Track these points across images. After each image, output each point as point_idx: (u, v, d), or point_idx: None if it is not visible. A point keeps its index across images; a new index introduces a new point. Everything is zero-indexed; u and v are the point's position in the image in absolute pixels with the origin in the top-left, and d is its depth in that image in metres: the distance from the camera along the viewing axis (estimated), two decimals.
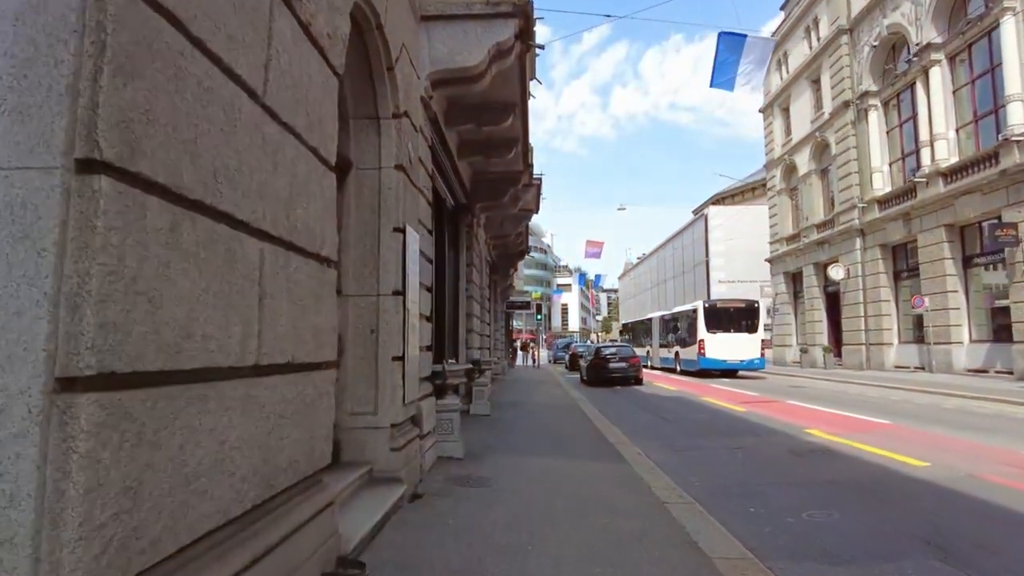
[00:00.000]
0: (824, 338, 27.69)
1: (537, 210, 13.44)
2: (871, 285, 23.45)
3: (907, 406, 12.12)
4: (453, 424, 5.87)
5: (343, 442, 4.31)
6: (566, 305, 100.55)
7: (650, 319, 34.11)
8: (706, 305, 24.83)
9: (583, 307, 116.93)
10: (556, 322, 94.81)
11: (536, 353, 36.22)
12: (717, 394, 15.53)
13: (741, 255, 42.54)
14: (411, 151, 4.76)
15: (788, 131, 30.88)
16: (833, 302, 27.37)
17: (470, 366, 6.19)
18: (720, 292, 43.61)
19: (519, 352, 37.05)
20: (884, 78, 23.19)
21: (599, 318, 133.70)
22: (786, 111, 31.17)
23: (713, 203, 51.18)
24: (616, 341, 36.48)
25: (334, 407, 2.92)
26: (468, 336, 10.18)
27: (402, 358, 4.49)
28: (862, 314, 23.92)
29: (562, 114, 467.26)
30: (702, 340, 23.51)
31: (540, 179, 11.68)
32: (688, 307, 27.28)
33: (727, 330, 23.50)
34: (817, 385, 18.31)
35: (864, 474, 6.08)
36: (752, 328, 23.73)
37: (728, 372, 23.44)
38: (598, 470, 5.83)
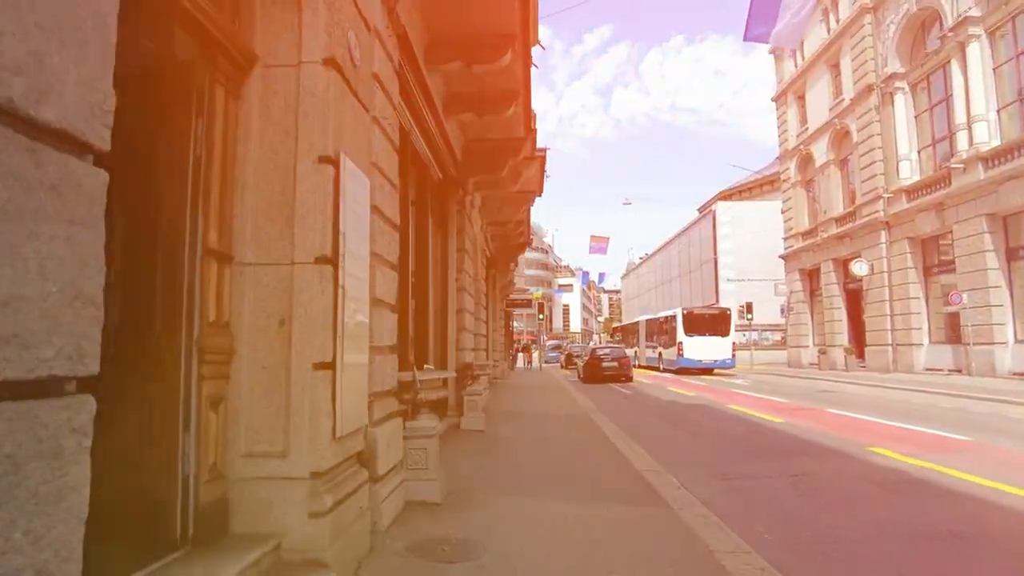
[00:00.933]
0: (844, 338, 26.02)
1: (541, 191, 11.74)
2: (898, 281, 21.78)
3: (969, 416, 10.45)
4: (428, 455, 4.21)
5: (233, 501, 2.65)
6: (568, 306, 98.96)
7: (637, 323, 37.23)
8: (684, 312, 27.85)
9: (585, 308, 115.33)
10: (558, 323, 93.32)
11: (531, 356, 34.56)
12: (743, 401, 13.86)
13: (751, 253, 40.87)
14: (352, 45, 3.11)
15: (804, 120, 29.25)
16: (854, 300, 25.73)
17: (453, 374, 4.51)
18: (729, 291, 41.96)
19: (519, 354, 35.40)
20: (912, 58, 21.53)
21: (601, 319, 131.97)
22: (801, 99, 29.53)
23: (721, 199, 49.52)
24: (609, 343, 37.77)
25: (87, 470, 1.26)
26: (459, 336, 8.53)
27: (333, 365, 2.83)
28: (888, 312, 22.26)
29: (563, 116, 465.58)
30: (680, 343, 26.68)
31: (545, 152, 9.99)
32: (669, 312, 30.14)
33: (702, 333, 26.55)
34: (847, 390, 16.64)
35: (994, 523, 4.42)
36: (724, 332, 26.77)
37: (705, 370, 26.34)
38: (633, 520, 4.17)
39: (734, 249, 41.80)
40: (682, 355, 26.52)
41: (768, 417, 10.70)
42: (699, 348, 26.32)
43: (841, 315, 26.25)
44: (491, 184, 9.37)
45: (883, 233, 22.43)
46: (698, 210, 61.43)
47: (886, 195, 22.21)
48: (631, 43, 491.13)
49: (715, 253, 42.87)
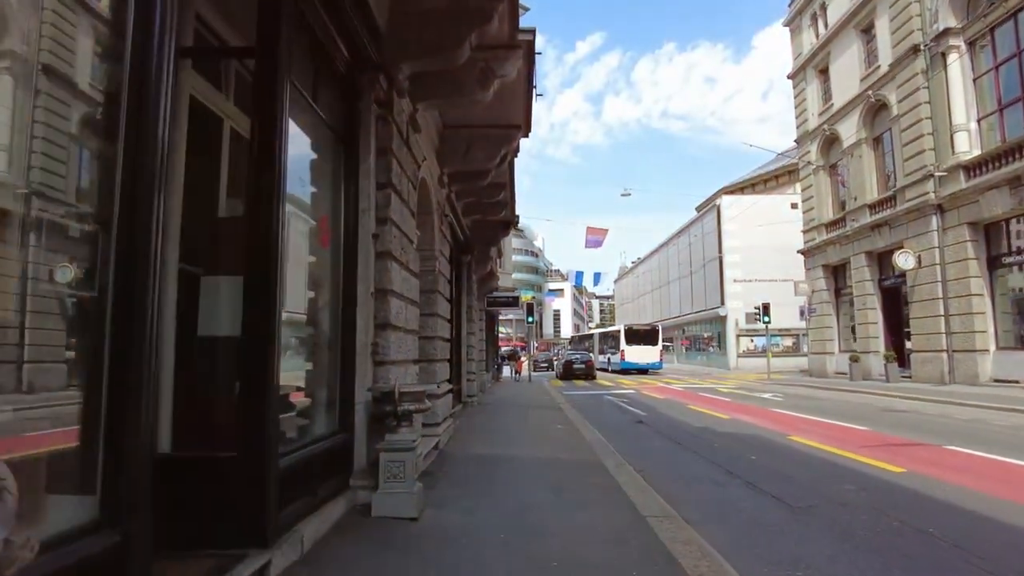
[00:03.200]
0: (880, 343, 22.52)
1: (528, 126, 7.86)
2: (955, 275, 18.26)
3: None
4: None
5: None
6: (559, 311, 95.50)
7: (592, 334, 47.94)
8: (625, 328, 36.81)
9: (576, 314, 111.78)
10: (548, 329, 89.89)
11: (521, 366, 30.75)
12: (801, 427, 10.14)
13: (760, 250, 37.46)
14: None
15: (827, 96, 25.83)
16: (892, 299, 22.25)
17: None
18: (736, 292, 38.57)
19: (504, 363, 31.72)
20: (971, 9, 18.12)
21: (592, 325, 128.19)
22: (823, 73, 26.13)
23: (724, 195, 46.04)
24: (577, 349, 44.69)
25: None
26: (379, 337, 4.75)
27: None
28: (942, 312, 18.71)
29: (555, 122, 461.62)
30: (623, 350, 35.30)
31: (532, 37, 6.14)
32: (615, 328, 40.78)
33: (639, 343, 35.22)
34: (920, 408, 13.01)
35: None
36: (654, 343, 35.58)
37: (641, 371, 34.65)
38: None
39: (741, 247, 38.37)
40: (624, 359, 35.17)
41: (875, 463, 6.98)
42: (636, 354, 35.09)
43: (876, 316, 22.74)
44: (443, 84, 5.63)
45: (934, 218, 18.93)
46: (696, 209, 58.05)
47: (938, 173, 18.73)
48: (623, 51, 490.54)
49: (720, 251, 39.38)
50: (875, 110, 22.42)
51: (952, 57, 18.41)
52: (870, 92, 22.15)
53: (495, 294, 18.63)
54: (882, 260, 22.58)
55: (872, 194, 22.65)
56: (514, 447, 8.02)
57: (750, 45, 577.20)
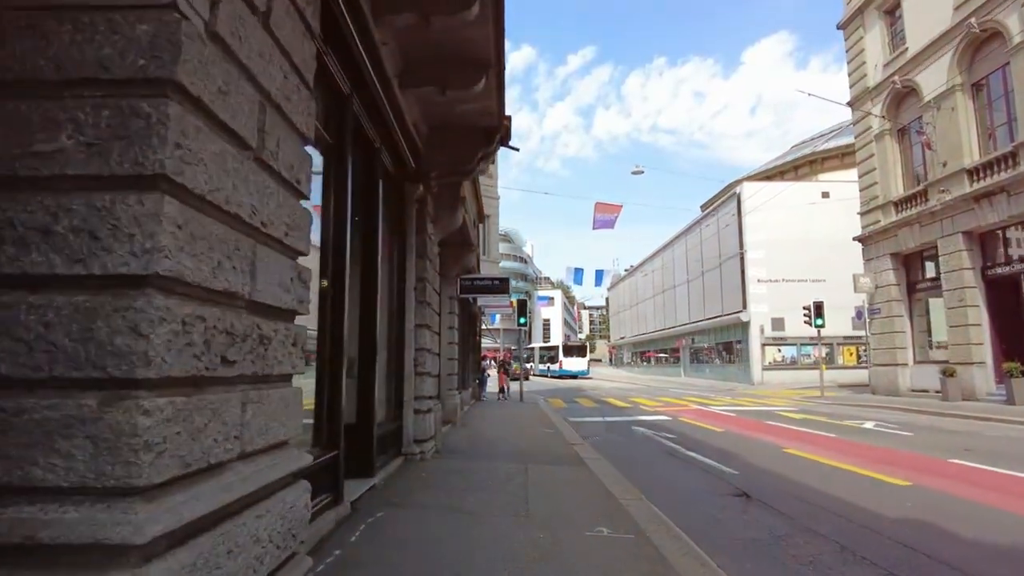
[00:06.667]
0: (985, 352, 17.02)
1: None
2: None
3: None
4: None
5: None
6: (548, 320, 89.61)
7: (533, 348, 55.52)
8: (562, 343, 52.63)
9: (567, 324, 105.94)
10: (538, 338, 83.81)
11: (504, 381, 24.05)
12: None
13: (787, 246, 32.05)
14: None
15: (897, 41, 20.53)
16: (1005, 292, 16.78)
17: None
18: (760, 294, 33.04)
19: (487, 377, 25.82)
20: None
21: (582, 336, 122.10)
22: (891, 13, 20.87)
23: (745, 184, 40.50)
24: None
25: None
26: None
27: None
28: None
29: (545, 135, 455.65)
30: (561, 361, 47.59)
31: None
32: (553, 343, 56.51)
33: (572, 356, 48.21)
34: None
35: None
36: (583, 355, 49.18)
37: (573, 377, 45.13)
38: None
39: (766, 242, 32.83)
40: (561, 367, 46.48)
41: None
42: (570, 363, 46.62)
43: (979, 316, 17.23)
44: None
45: None
46: (701, 208, 52.71)
47: None
48: (614, 64, 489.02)
49: (741, 247, 33.78)
50: (977, 45, 17.07)
51: None
52: (972, 20, 16.78)
53: (472, 277, 12.76)
54: (987, 242, 17.18)
55: (972, 156, 17.24)
56: None
57: (739, 60, 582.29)
